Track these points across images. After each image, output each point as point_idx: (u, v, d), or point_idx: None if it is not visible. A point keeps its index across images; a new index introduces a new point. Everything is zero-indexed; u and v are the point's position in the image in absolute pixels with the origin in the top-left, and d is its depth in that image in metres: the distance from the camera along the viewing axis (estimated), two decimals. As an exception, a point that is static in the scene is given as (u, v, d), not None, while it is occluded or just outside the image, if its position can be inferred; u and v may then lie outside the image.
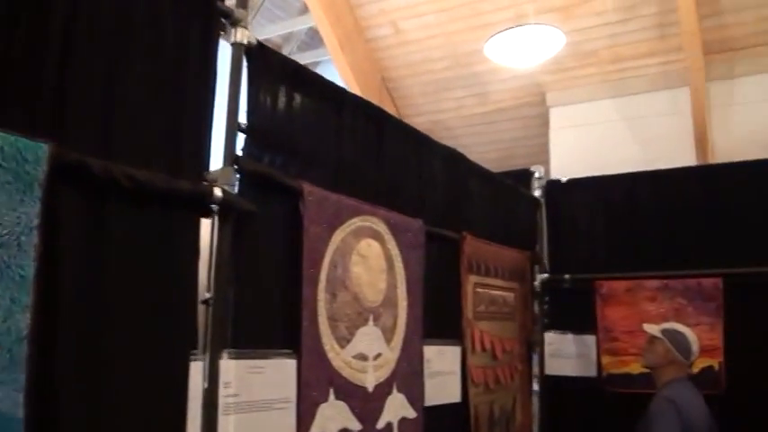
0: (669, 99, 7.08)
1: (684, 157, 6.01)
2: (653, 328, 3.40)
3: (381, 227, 2.60)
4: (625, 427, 3.45)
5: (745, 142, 6.25)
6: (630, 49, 6.58)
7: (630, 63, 6.79)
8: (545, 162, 6.92)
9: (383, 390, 2.53)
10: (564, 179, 4.45)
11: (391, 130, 2.85)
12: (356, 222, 2.44)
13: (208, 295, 1.82)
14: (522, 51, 5.38)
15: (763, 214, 3.83)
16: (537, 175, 4.46)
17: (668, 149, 6.32)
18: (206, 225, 1.86)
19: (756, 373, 3.69)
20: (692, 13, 5.56)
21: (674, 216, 4.05)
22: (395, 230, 2.67)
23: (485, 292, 3.53)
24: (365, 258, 2.48)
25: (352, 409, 2.33)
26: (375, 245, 2.55)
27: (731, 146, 6.38)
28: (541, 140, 7.56)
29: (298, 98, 2.28)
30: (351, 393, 2.33)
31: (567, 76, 7.11)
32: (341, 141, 2.50)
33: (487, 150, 7.32)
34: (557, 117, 7.56)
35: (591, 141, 7.08)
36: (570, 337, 4.20)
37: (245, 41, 2.06)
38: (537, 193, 4.42)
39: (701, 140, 6.54)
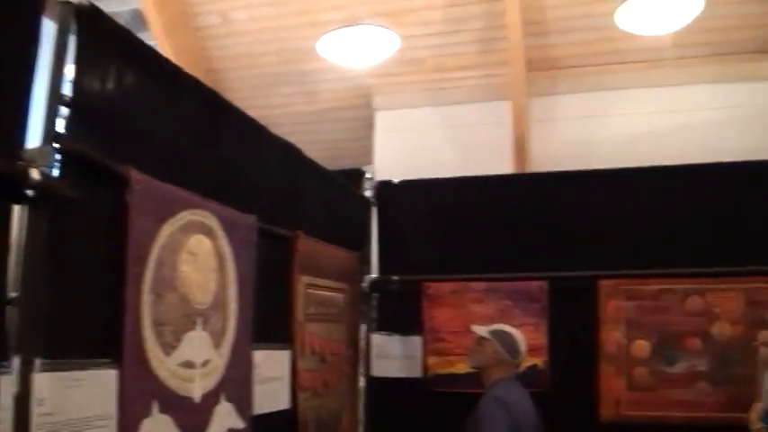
0: (491, 110, 7.27)
1: (503, 168, 6.22)
2: (481, 329, 3.44)
3: (213, 222, 2.40)
4: (451, 426, 3.46)
5: (561, 157, 6.55)
6: (455, 60, 6.72)
7: (455, 74, 6.94)
8: (368, 165, 6.93)
9: (210, 399, 2.33)
10: (396, 180, 4.43)
11: (229, 119, 2.65)
12: (186, 216, 2.23)
13: (14, 295, 1.54)
14: (355, 51, 5.33)
15: (583, 221, 4.02)
16: (368, 175, 4.41)
17: (488, 159, 6.50)
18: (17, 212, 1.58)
19: (577, 370, 3.85)
20: (518, 31, 5.76)
21: (500, 220, 4.15)
22: (227, 226, 2.48)
23: (315, 293, 3.42)
24: (195, 256, 2.28)
25: (177, 423, 2.11)
26: (206, 241, 2.35)
27: (548, 160, 6.67)
28: (366, 143, 7.55)
29: (131, 73, 2.03)
30: (176, 405, 2.11)
31: (393, 81, 7.14)
32: (175, 126, 2.27)
33: (312, 150, 7.18)
34: (382, 121, 7.58)
35: (414, 147, 7.15)
36: (397, 338, 4.18)
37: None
38: (367, 194, 4.37)
39: (520, 152, 6.78)
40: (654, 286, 3.81)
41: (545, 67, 7.20)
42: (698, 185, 3.95)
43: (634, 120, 7.50)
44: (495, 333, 3.37)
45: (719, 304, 3.71)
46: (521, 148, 6.81)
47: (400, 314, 4.20)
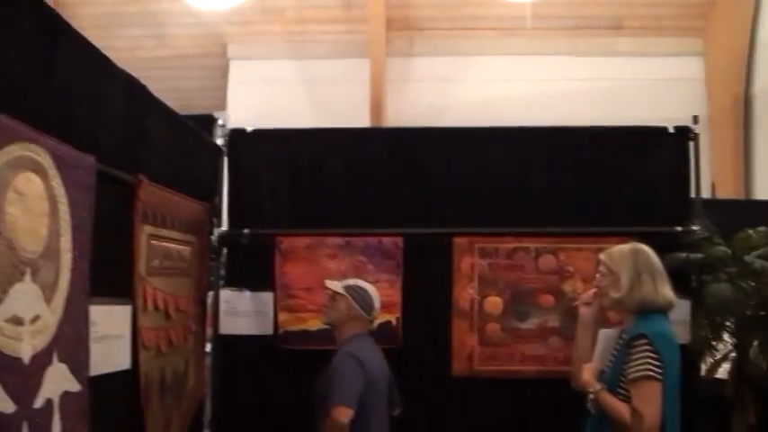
0: (350, 68, 7.18)
1: (359, 124, 6.15)
2: (336, 285, 3.36)
3: (45, 159, 2.12)
4: (302, 383, 3.38)
5: (417, 118, 6.55)
6: (316, 13, 6.55)
7: (315, 27, 6.77)
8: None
9: (42, 360, 2.08)
10: (249, 129, 4.21)
11: (68, 44, 2.35)
12: (15, 150, 1.95)
13: None
14: (209, -7, 5.03)
15: (439, 178, 4.01)
16: (220, 122, 4.16)
17: (344, 117, 6.42)
18: None
19: (430, 327, 3.86)
20: (380, -11, 5.67)
21: (357, 175, 4.06)
22: (61, 165, 2.20)
23: (159, 244, 3.18)
24: (23, 197, 2.00)
25: (5, 386, 1.86)
26: (37, 181, 2.08)
27: (404, 121, 6.66)
28: (220, 94, 7.26)
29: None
30: (2, 367, 1.86)
31: (250, 30, 6.88)
32: (5, 47, 1.97)
33: (164, 99, 6.83)
34: (237, 71, 7.31)
35: (269, 100, 6.95)
36: (247, 294, 4.01)
37: None
38: (219, 142, 4.12)
39: (377, 112, 6.73)
40: (508, 245, 3.86)
41: (404, 27, 7.17)
42: (553, 147, 4.03)
43: (489, 86, 7.66)
44: (349, 289, 3.31)
45: (572, 263, 3.83)
46: (377, 107, 6.76)
47: (251, 269, 4.03)
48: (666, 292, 2.79)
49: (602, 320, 3.21)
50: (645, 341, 2.62)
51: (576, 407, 2.96)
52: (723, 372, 4.55)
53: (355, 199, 4.02)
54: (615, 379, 2.71)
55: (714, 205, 5.80)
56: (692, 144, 4.00)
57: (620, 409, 2.60)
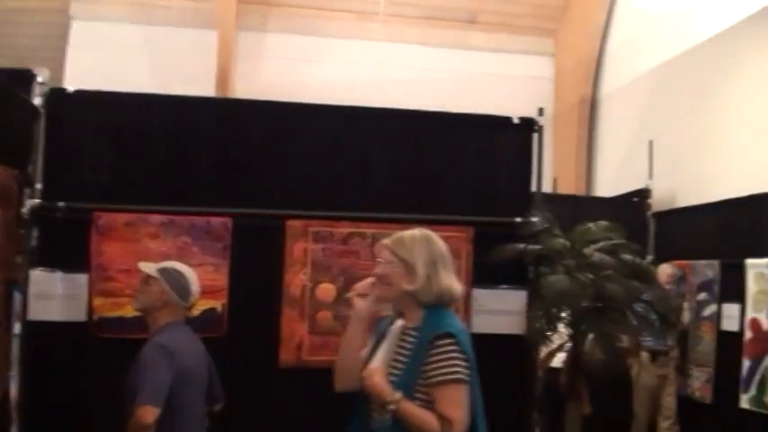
0: (197, 38, 6.85)
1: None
2: (149, 267, 3.04)
3: None
4: (118, 375, 3.03)
5: (266, 96, 6.28)
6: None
7: (162, -8, 6.39)
8: (60, 81, 6.11)
9: None
10: (71, 89, 3.77)
11: None
12: None
13: None
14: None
15: (274, 157, 3.77)
16: (40, 79, 3.67)
17: (189, 89, 6.06)
18: None
19: (258, 314, 3.62)
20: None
21: (187, 148, 3.74)
22: None
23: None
24: None
25: None
26: None
27: (253, 97, 6.37)
28: (59, 54, 6.70)
29: None
30: None
31: (95, -11, 6.37)
32: None
33: (-4, 56, 6.23)
34: (78, 32, 6.78)
35: (111, 64, 6.48)
36: (59, 275, 3.59)
37: None
38: (36, 102, 3.65)
39: (223, 86, 6.46)
40: (344, 229, 3.69)
41: (257, 1, 6.93)
42: (396, 131, 3.89)
43: (342, 69, 7.53)
44: (163, 271, 3.00)
45: (410, 251, 3.68)
46: (224, 81, 6.46)
47: (65, 247, 3.61)
48: (457, 283, 2.51)
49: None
50: (451, 340, 2.34)
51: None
52: (558, 362, 4.63)
53: (182, 174, 3.70)
54: (411, 383, 2.35)
55: (555, 200, 5.95)
56: (536, 136, 3.97)
57: (427, 419, 2.27)
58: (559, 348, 4.46)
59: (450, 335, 2.35)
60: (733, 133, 6.50)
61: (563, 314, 4.20)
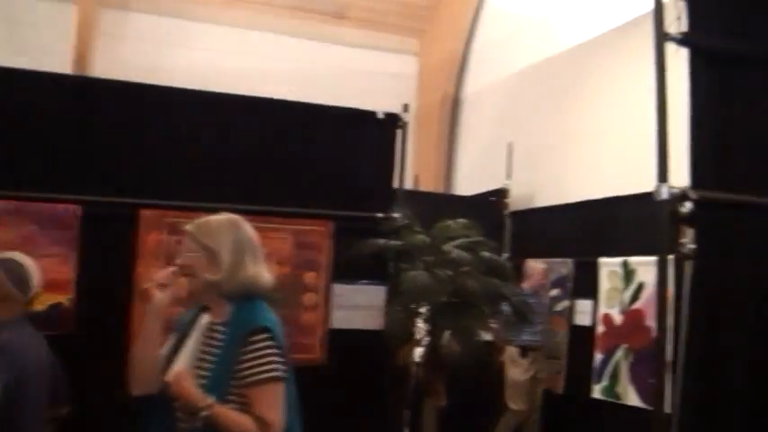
0: (54, 11, 6.43)
1: (59, 78, 5.44)
2: (-16, 258, 2.78)
3: None
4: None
5: (127, 78, 5.99)
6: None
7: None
8: None
9: None
10: None
11: None
12: None
13: None
14: None
15: (127, 142, 3.57)
16: None
17: (43, 62, 5.71)
18: None
19: (109, 309, 3.43)
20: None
21: (33, 128, 3.44)
22: None
23: None
24: None
25: None
26: None
27: (111, 77, 6.06)
28: None
29: None
30: None
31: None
32: None
33: None
34: None
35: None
36: None
37: None
38: None
39: (81, 63, 6.11)
40: (201, 221, 3.54)
41: (121, -21, 6.60)
42: (258, 120, 3.78)
43: (205, 55, 7.31)
44: (0, 262, 2.75)
45: (268, 244, 3.54)
46: (82, 59, 6.10)
47: None
48: (267, 273, 2.27)
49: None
50: (267, 335, 2.11)
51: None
52: (416, 357, 4.69)
53: (28, 156, 3.43)
54: (222, 384, 2.09)
55: (416, 196, 6.03)
56: (399, 132, 3.98)
57: (244, 423, 2.05)
58: (418, 344, 4.52)
59: (265, 329, 2.13)
60: (589, 139, 6.84)
61: (422, 309, 4.26)
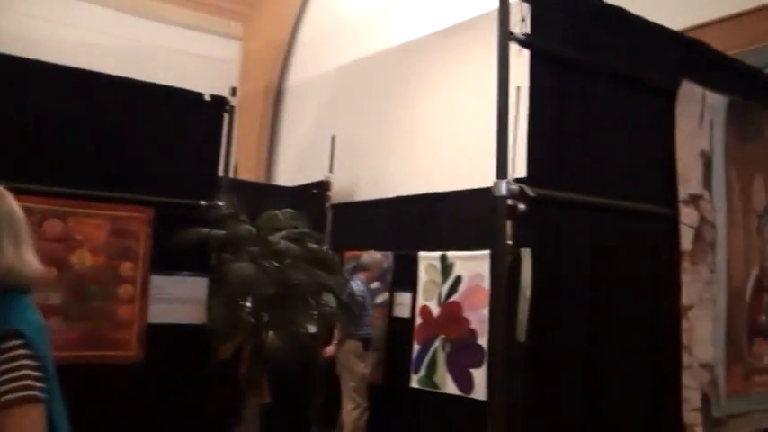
0: None
1: None
2: None
3: None
4: None
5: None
6: None
7: None
8: None
9: None
10: None
11: None
12: None
13: None
14: None
15: None
16: None
17: None
18: None
19: None
20: None
21: None
22: None
23: None
24: None
25: None
26: None
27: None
28: None
29: None
30: None
31: None
32: None
33: None
34: None
35: None
36: None
37: None
38: None
39: None
40: (9, 203, 3.15)
41: None
42: (72, 94, 3.42)
43: (27, 22, 6.65)
44: None
45: (82, 231, 3.29)
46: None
47: None
48: (33, 260, 1.75)
49: None
50: (19, 342, 1.61)
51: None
52: (234, 352, 4.50)
53: None
54: None
55: (238, 185, 5.83)
56: (226, 117, 3.79)
57: None
58: (242, 338, 4.34)
59: (16, 334, 1.63)
60: (412, 136, 6.96)
61: (247, 302, 4.10)
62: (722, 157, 2.47)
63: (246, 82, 9.22)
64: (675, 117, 2.37)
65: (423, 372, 5.42)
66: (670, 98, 2.42)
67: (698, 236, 2.37)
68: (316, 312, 4.37)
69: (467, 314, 5.22)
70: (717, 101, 2.46)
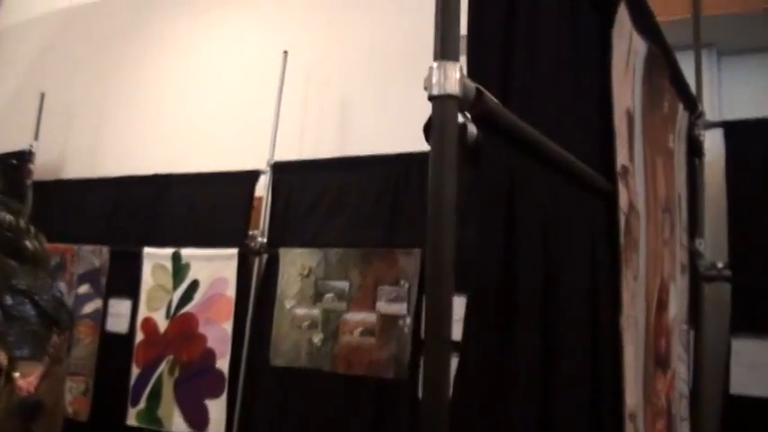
0: None
1: None
2: None
3: None
4: None
5: None
6: None
7: None
8: None
9: None
10: None
11: None
12: None
13: None
14: None
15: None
16: None
17: None
18: None
19: None
20: None
21: None
22: None
23: None
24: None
25: None
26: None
27: None
28: None
29: None
30: None
31: None
32: None
33: None
34: None
35: None
36: None
37: None
38: None
39: None
40: None
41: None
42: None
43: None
44: None
45: None
46: None
47: None
48: None
49: None
50: None
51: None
52: None
53: None
54: None
55: None
56: None
57: None
58: None
59: None
60: (143, 103, 5.63)
61: None
62: (640, 122, 1.58)
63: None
64: (612, 48, 1.38)
65: (143, 404, 4.25)
66: (607, 18, 1.47)
67: (627, 227, 1.47)
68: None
69: (203, 330, 4.17)
70: (639, 44, 1.54)
